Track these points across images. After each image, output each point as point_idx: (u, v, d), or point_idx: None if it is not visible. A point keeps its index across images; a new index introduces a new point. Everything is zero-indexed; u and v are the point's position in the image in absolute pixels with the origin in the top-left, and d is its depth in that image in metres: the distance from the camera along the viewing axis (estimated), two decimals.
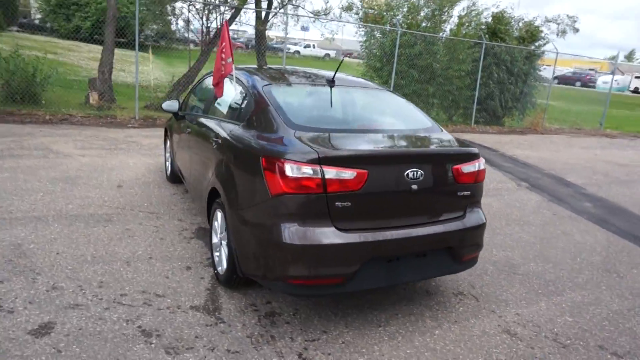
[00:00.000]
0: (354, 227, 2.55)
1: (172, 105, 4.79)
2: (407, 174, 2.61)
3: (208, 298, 3.07)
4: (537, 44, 14.17)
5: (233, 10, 11.45)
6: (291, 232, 2.47)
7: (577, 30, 14.55)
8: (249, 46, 41.61)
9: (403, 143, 2.87)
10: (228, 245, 2.95)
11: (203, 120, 3.86)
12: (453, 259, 2.89)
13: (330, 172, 2.43)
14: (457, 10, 14.08)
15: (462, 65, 12.60)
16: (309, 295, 2.68)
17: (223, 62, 3.24)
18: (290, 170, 2.45)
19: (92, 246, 3.68)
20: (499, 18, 13.64)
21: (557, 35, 14.01)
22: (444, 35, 12.79)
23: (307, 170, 2.43)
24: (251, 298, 3.11)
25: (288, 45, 43.13)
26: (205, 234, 4.13)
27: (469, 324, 3.03)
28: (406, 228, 2.67)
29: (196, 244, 3.91)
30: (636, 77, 42.78)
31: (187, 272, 3.41)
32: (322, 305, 3.09)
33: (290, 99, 3.12)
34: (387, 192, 2.60)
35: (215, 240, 3.38)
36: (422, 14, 13.13)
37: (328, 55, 42.78)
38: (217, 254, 3.36)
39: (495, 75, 13.46)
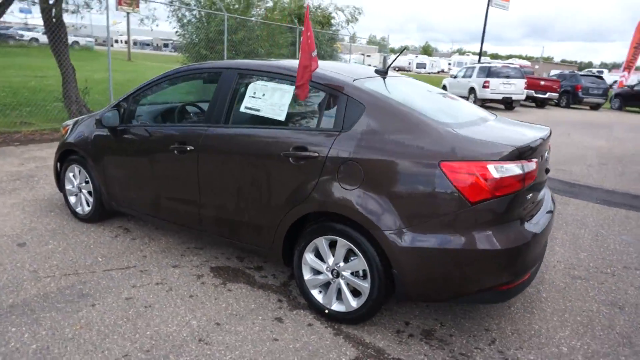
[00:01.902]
0: (529, 218, 2.51)
1: (113, 117, 3.48)
2: (544, 156, 2.70)
3: (354, 346, 2.52)
4: (333, 29, 15.61)
5: None
6: (503, 235, 2.27)
7: (357, 19, 16.54)
8: None
9: (528, 127, 2.90)
10: (373, 274, 2.45)
11: (226, 131, 2.96)
12: None
13: (527, 166, 2.32)
14: None
15: (282, 49, 12.90)
16: (508, 299, 2.51)
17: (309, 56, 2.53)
18: (496, 171, 2.22)
19: (121, 339, 2.48)
20: (301, 5, 14.40)
21: (347, 23, 15.71)
22: (260, 19, 12.76)
23: (513, 167, 2.25)
24: (387, 326, 2.70)
25: (21, 32, 35.19)
26: (232, 274, 3.26)
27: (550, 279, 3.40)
28: (542, 207, 2.78)
29: (238, 288, 3.07)
30: (367, 56, 51.76)
31: (284, 324, 2.68)
32: (443, 306, 2.93)
33: (392, 93, 2.72)
34: (539, 177, 2.63)
35: (308, 277, 2.75)
36: None
37: (77, 42, 36.79)
38: (315, 290, 2.76)
39: None
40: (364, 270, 2.55)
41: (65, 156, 4.12)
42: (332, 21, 15.93)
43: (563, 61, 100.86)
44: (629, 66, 20.15)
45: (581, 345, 2.60)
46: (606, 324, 2.83)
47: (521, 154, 2.31)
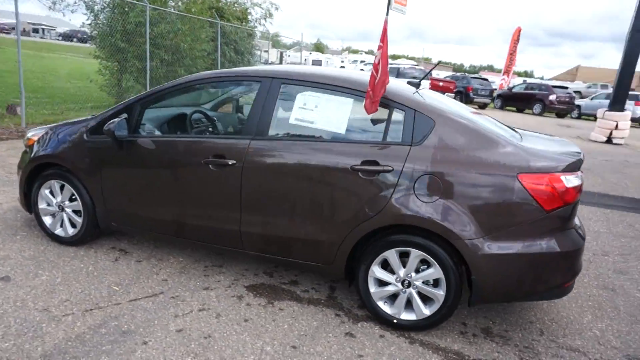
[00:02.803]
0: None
1: (122, 126, 3.08)
2: None
3: (434, 352, 2.60)
4: (250, 24, 15.29)
5: None
6: (567, 240, 2.53)
7: (272, 15, 16.34)
8: None
9: (559, 141, 3.20)
10: (449, 282, 2.56)
11: (277, 144, 2.82)
12: None
13: (582, 176, 2.61)
14: None
15: (204, 44, 12.31)
16: (565, 295, 2.74)
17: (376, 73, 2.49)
18: (567, 181, 2.47)
19: None
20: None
21: (265, 18, 15.47)
22: (177, 12, 12.01)
23: (574, 178, 2.52)
24: (448, 329, 2.83)
25: None
26: (271, 291, 3.12)
27: None
28: None
29: (288, 306, 2.96)
30: (265, 51, 51.61)
31: (357, 339, 2.67)
32: (484, 305, 3.16)
33: (449, 107, 2.83)
34: None
35: (374, 290, 2.76)
36: None
37: None
38: (381, 302, 2.79)
39: (228, 54, 13.84)
40: (435, 279, 2.66)
41: (37, 171, 3.53)
42: (249, 17, 15.61)
43: (440, 62, 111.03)
44: (507, 70, 22.96)
45: (606, 326, 3.01)
46: (612, 305, 3.31)
47: (579, 166, 2.60)
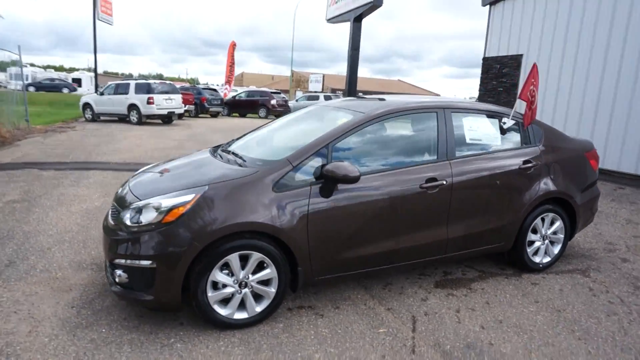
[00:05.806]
0: None
1: (352, 171, 2.98)
2: None
3: (581, 278, 4.01)
4: None
5: None
6: (597, 186, 4.39)
7: None
8: None
9: None
10: (566, 231, 4.02)
11: (470, 160, 3.54)
12: None
13: None
14: None
15: None
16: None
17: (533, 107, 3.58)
18: (597, 152, 4.31)
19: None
20: None
21: None
22: None
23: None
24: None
25: None
26: (455, 283, 3.75)
27: None
28: None
29: (481, 285, 3.71)
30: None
31: (541, 284, 3.78)
32: None
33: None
34: None
35: (529, 249, 3.92)
36: None
37: None
38: (532, 256, 3.97)
39: None
40: (556, 231, 4.06)
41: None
42: None
43: (106, 72, 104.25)
44: (228, 81, 25.20)
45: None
46: None
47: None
